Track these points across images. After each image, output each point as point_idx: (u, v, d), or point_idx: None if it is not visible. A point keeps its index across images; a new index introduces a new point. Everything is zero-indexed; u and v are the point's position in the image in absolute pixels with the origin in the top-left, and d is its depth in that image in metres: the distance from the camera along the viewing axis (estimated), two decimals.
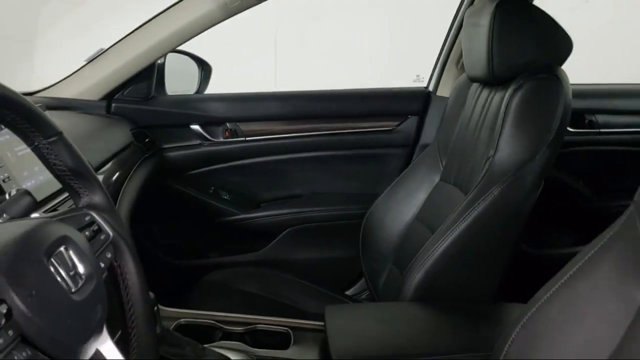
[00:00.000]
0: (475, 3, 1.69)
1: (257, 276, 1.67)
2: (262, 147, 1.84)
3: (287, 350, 1.09)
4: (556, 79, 1.20)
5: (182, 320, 1.15)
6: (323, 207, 1.85)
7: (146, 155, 1.62)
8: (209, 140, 1.81)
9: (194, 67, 1.98)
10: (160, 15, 1.59)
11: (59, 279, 0.57)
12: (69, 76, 1.66)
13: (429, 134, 1.81)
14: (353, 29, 4.17)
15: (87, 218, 0.71)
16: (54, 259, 0.58)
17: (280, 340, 1.13)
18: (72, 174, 0.72)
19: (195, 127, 1.81)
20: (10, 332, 0.49)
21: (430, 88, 1.90)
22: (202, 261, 1.82)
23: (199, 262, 1.81)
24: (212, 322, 1.15)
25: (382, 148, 1.87)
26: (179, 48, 1.74)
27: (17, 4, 1.71)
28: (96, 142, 1.45)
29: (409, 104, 1.87)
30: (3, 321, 0.48)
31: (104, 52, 1.65)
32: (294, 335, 1.13)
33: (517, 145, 1.18)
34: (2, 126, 0.94)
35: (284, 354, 1.08)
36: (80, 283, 0.60)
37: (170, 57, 1.82)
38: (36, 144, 0.68)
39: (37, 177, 0.95)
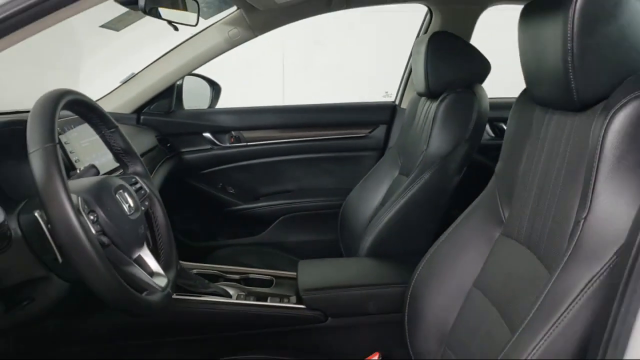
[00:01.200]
0: (420, 36, 2.12)
1: (255, 253, 2.08)
2: (261, 150, 2.27)
3: (269, 288, 1.49)
4: (472, 93, 1.61)
5: (194, 270, 1.56)
6: (309, 199, 2.26)
7: (167, 157, 2.06)
8: (217, 145, 2.24)
9: (206, 87, 2.43)
10: (178, 47, 2.04)
11: (121, 205, 0.99)
12: (107, 94, 2.10)
13: (395, 139, 2.22)
14: (345, 52, 4.61)
15: (133, 179, 1.14)
16: (118, 195, 1.00)
17: (265, 284, 1.53)
18: (123, 152, 1.15)
19: (207, 134, 2.24)
20: (98, 227, 0.91)
21: (397, 102, 2.32)
22: (212, 243, 2.23)
23: (209, 244, 2.21)
24: (216, 271, 1.56)
25: (357, 151, 2.29)
26: (194, 72, 2.19)
27: (62, 40, 2.15)
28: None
29: (379, 114, 2.29)
30: (95, 219, 0.91)
31: (134, 75, 2.10)
32: (275, 281, 1.53)
33: (442, 141, 1.60)
34: (72, 126, 1.37)
35: (267, 290, 1.48)
36: (132, 211, 1.02)
37: (187, 79, 2.27)
38: (102, 132, 1.12)
39: (94, 161, 1.39)
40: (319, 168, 2.30)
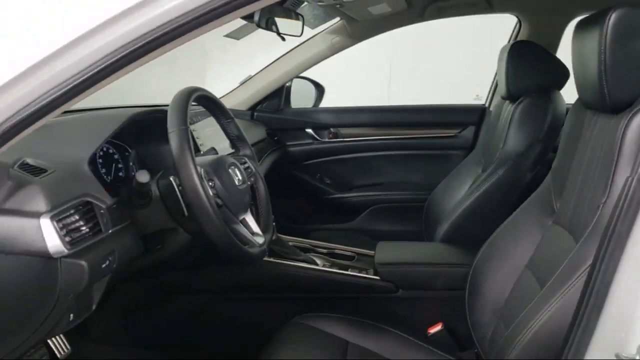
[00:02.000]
0: (506, 44, 2.23)
1: (344, 237, 2.32)
2: (356, 146, 2.51)
3: (351, 262, 1.72)
4: (548, 97, 1.74)
5: (291, 242, 1.83)
6: (398, 192, 2.47)
7: (274, 148, 2.36)
8: (318, 140, 2.52)
9: (312, 88, 2.71)
10: (288, 53, 2.34)
11: (232, 177, 1.28)
12: (228, 93, 2.46)
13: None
14: (444, 55, 4.72)
15: (243, 160, 1.43)
16: (230, 170, 1.29)
17: (348, 259, 1.77)
18: (237, 139, 1.45)
19: (309, 130, 2.52)
20: (214, 191, 1.20)
21: (486, 104, 2.46)
22: (308, 226, 2.50)
23: (306, 227, 2.49)
24: (308, 245, 1.82)
25: (446, 150, 2.46)
26: (302, 75, 2.48)
27: (193, 47, 2.53)
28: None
29: (469, 116, 2.44)
30: (213, 185, 1.20)
31: (251, 78, 2.43)
32: (357, 257, 1.76)
33: (517, 140, 1.74)
34: (200, 117, 1.70)
35: (348, 263, 1.71)
36: (240, 183, 1.30)
37: (296, 81, 2.56)
38: (221, 122, 1.41)
39: (214, 145, 1.70)
40: (408, 164, 2.50)
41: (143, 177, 1.12)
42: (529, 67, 1.79)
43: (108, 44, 0.78)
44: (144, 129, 1.39)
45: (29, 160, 1.03)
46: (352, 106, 2.56)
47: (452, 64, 4.75)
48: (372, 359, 1.41)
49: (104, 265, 1.03)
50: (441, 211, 2.06)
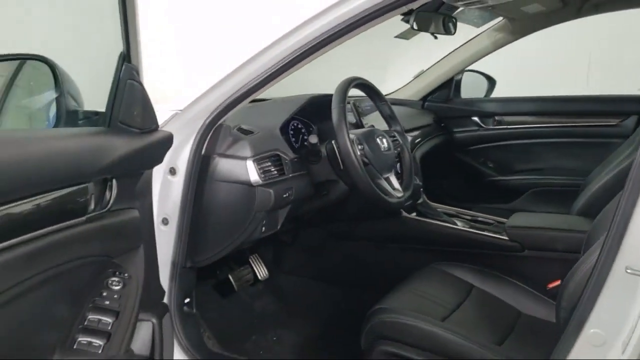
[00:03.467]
0: None
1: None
2: (518, 133, 2.73)
3: (489, 226, 2.01)
4: None
5: (439, 208, 2.18)
6: (556, 177, 2.63)
7: (439, 133, 2.72)
8: (482, 127, 2.80)
9: (484, 81, 2.98)
10: (455, 51, 2.67)
11: (379, 144, 1.69)
12: (404, 86, 2.88)
13: None
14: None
15: (392, 134, 1.84)
16: (378, 139, 1.71)
17: (487, 224, 2.06)
18: (389, 117, 1.87)
19: (475, 118, 2.82)
20: (362, 153, 1.64)
21: None
22: (471, 205, 2.79)
23: (469, 205, 2.77)
24: (454, 211, 2.15)
25: (606, 138, 2.54)
26: (476, 69, 2.78)
27: (371, 49, 2.98)
28: (413, 121, 2.61)
29: (631, 106, 2.49)
30: (362, 148, 1.63)
31: (423, 72, 2.82)
32: (496, 223, 2.04)
33: None
34: (366, 103, 2.15)
35: (485, 227, 2.00)
36: (385, 149, 1.72)
37: (467, 74, 2.87)
38: (377, 104, 1.85)
39: (373, 123, 2.13)
40: (568, 151, 2.64)
41: (313, 139, 1.61)
42: None
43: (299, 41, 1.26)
44: (322, 109, 1.88)
45: (243, 126, 1.59)
46: (516, 96, 2.78)
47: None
48: (491, 301, 1.72)
49: (284, 196, 1.54)
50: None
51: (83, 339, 0.93)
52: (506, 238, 1.88)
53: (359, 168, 1.55)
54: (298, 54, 1.32)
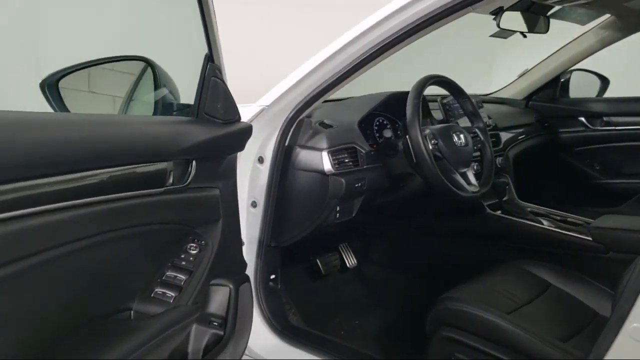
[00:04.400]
0: None
1: None
2: (628, 134, 2.59)
3: (576, 227, 1.96)
4: None
5: (529, 209, 2.16)
6: None
7: (540, 133, 2.67)
8: (590, 128, 2.69)
9: (596, 81, 2.86)
10: (561, 50, 2.60)
11: (454, 140, 1.75)
12: (507, 85, 2.85)
13: None
14: None
15: (474, 131, 1.88)
16: (454, 135, 1.76)
17: (576, 226, 2.01)
18: (471, 114, 1.91)
19: (581, 118, 2.71)
20: (436, 147, 1.71)
21: None
22: (573, 207, 2.70)
23: (571, 208, 2.70)
24: (543, 211, 2.12)
25: None
26: (587, 68, 2.69)
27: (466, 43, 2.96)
28: (514, 120, 2.59)
29: None
30: (435, 143, 1.71)
31: (528, 71, 2.77)
32: (584, 224, 1.99)
33: None
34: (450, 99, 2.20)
35: (572, 227, 1.96)
36: (462, 145, 1.77)
37: (576, 74, 2.77)
38: (459, 100, 1.90)
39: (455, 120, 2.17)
40: None
41: (387, 133, 1.72)
42: None
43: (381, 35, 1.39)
44: (403, 106, 1.97)
45: (326, 121, 1.74)
46: (626, 96, 2.63)
47: None
48: (567, 300, 1.70)
49: (356, 185, 1.66)
50: None
51: (159, 290, 1.15)
52: (590, 239, 1.84)
53: (429, 161, 1.63)
54: (370, 53, 1.45)
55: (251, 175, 1.65)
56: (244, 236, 1.64)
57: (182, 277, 1.19)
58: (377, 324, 2.14)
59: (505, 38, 2.37)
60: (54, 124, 0.93)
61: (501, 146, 2.30)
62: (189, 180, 1.19)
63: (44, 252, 0.87)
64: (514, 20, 2.07)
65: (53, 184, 0.89)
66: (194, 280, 1.19)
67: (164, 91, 1.37)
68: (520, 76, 2.80)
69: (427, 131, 1.70)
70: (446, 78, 1.83)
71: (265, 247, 1.68)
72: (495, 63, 3.10)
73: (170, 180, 1.14)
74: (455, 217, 2.10)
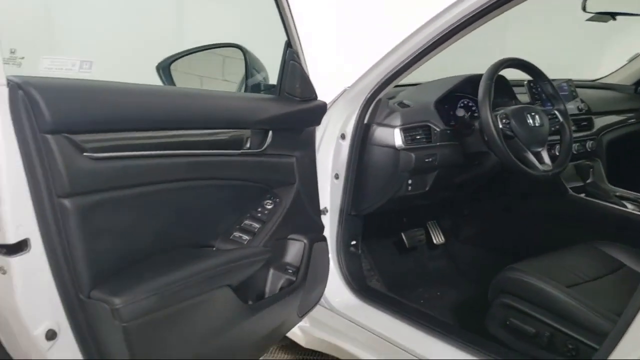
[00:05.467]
0: None
1: None
2: None
3: None
4: None
5: (617, 193, 2.13)
6: None
7: None
8: None
9: None
10: None
11: (528, 120, 1.81)
12: (615, 71, 2.76)
13: None
14: None
15: (553, 113, 1.92)
16: (528, 115, 1.82)
17: None
18: (552, 97, 1.94)
19: None
20: (508, 127, 1.78)
21: None
22: None
23: None
24: (634, 195, 2.08)
25: None
26: None
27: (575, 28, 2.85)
28: (618, 105, 2.52)
29: None
30: (507, 123, 1.78)
31: (638, 55, 2.67)
32: None
33: None
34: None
35: None
36: (536, 124, 1.82)
37: None
38: (538, 83, 1.94)
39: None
40: None
41: (460, 112, 1.83)
42: None
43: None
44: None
45: (404, 101, 1.90)
46: None
47: None
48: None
49: (427, 160, 1.80)
50: None
51: (237, 234, 1.41)
52: None
53: (497, 139, 1.72)
54: (439, 37, 1.58)
55: (335, 150, 1.86)
56: (328, 205, 1.85)
57: (257, 225, 1.44)
58: (458, 297, 2.25)
59: (605, 22, 2.33)
60: (165, 94, 1.26)
61: (594, 130, 2.27)
62: (264, 147, 1.43)
63: (157, 184, 1.20)
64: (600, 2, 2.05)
65: (160, 137, 1.21)
66: (265, 229, 1.44)
67: (253, 73, 1.63)
68: (630, 61, 2.70)
69: (501, 111, 1.79)
70: (524, 61, 1.89)
71: (346, 215, 1.88)
72: (605, 47, 2.99)
73: (247, 145, 1.39)
74: (537, 197, 2.14)
